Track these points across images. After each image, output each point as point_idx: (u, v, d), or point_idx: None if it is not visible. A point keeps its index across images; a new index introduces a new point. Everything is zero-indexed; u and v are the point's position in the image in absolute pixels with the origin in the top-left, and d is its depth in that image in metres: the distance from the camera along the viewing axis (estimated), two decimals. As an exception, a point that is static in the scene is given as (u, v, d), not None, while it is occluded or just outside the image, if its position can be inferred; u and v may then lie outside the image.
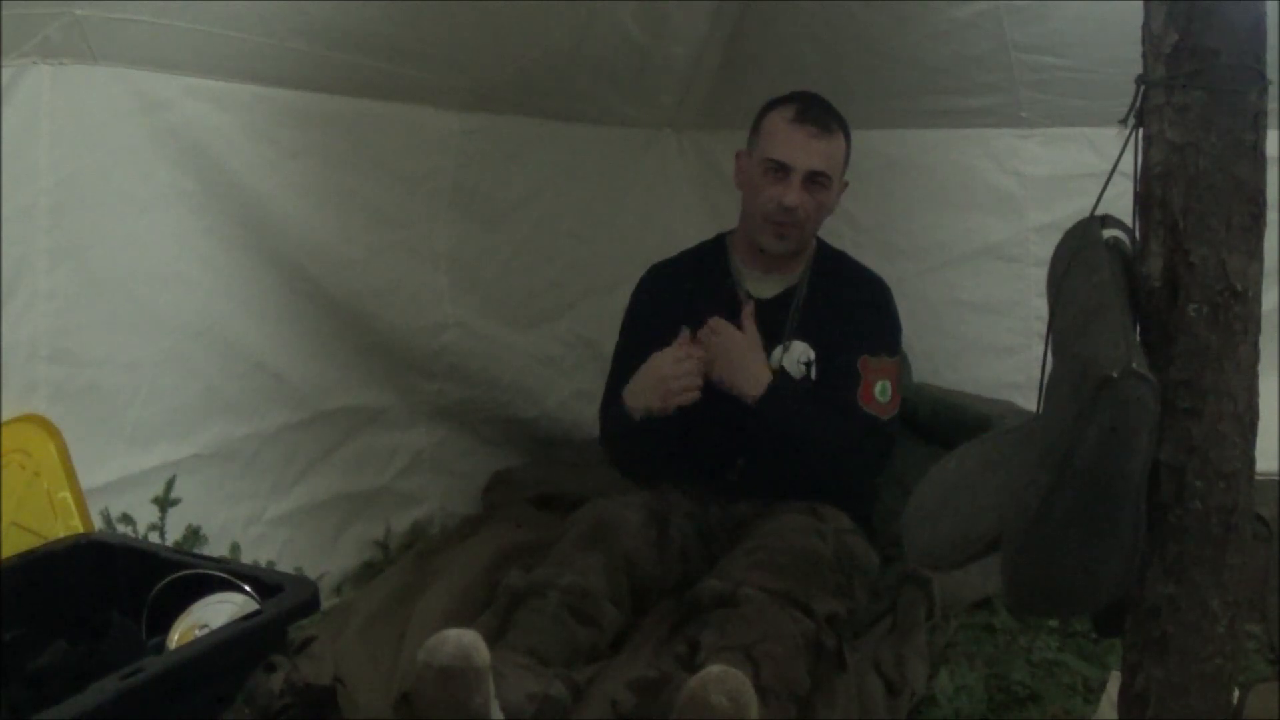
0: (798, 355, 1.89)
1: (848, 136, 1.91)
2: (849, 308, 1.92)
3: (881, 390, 1.86)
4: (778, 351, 1.89)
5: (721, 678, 1.19)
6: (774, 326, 1.90)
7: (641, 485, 1.92)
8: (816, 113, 1.87)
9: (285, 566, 1.84)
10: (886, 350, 1.90)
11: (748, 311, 1.86)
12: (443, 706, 1.19)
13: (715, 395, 1.90)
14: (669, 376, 1.79)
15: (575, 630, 1.52)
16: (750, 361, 1.82)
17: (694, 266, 2.02)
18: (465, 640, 1.20)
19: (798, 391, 1.85)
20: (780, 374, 1.86)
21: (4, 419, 1.55)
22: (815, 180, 1.85)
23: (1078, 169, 2.32)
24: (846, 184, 1.95)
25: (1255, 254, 0.96)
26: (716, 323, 1.84)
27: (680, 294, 1.97)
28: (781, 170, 1.84)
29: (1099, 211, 1.05)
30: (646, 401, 1.81)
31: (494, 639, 1.52)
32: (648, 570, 1.67)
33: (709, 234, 2.07)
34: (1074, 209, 1.32)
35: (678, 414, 1.81)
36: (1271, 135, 0.98)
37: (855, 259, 2.04)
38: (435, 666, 1.18)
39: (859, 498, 1.94)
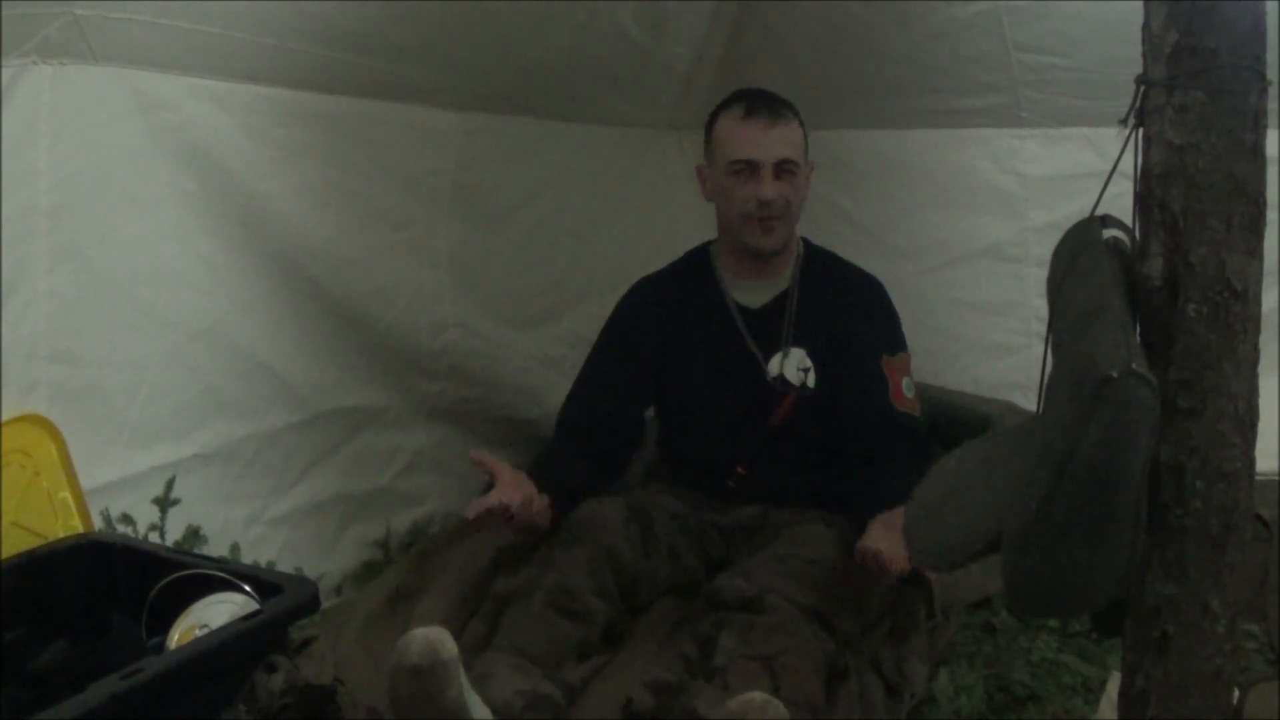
0: (796, 362, 1.88)
1: (800, 119, 1.87)
2: (849, 310, 1.91)
3: (908, 387, 1.86)
4: (776, 359, 1.87)
5: (763, 707, 1.20)
6: (769, 334, 1.89)
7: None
8: (764, 104, 1.84)
9: (285, 566, 1.84)
10: (900, 347, 1.91)
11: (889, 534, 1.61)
12: (419, 704, 1.20)
13: (715, 403, 1.90)
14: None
15: (562, 626, 1.53)
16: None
17: (681, 280, 1.99)
18: (431, 636, 1.21)
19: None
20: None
21: (4, 419, 1.55)
22: (784, 168, 1.82)
23: (1078, 169, 2.32)
24: (813, 165, 1.91)
25: (1255, 254, 0.96)
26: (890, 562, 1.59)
27: (668, 309, 1.95)
28: (749, 168, 1.81)
29: (1099, 211, 1.05)
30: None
31: (483, 644, 1.53)
32: (632, 564, 1.68)
33: (708, 234, 2.06)
34: (1074, 209, 1.32)
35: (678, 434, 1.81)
36: (1271, 135, 0.97)
37: (843, 258, 2.01)
38: (406, 666, 1.19)
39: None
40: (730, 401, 1.89)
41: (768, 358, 1.88)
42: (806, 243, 1.99)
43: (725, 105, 1.88)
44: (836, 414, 1.86)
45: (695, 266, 1.99)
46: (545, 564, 1.64)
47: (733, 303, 1.92)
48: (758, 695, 1.22)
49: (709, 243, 2.01)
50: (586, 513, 1.73)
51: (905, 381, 1.86)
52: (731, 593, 1.58)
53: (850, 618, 1.59)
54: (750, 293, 1.93)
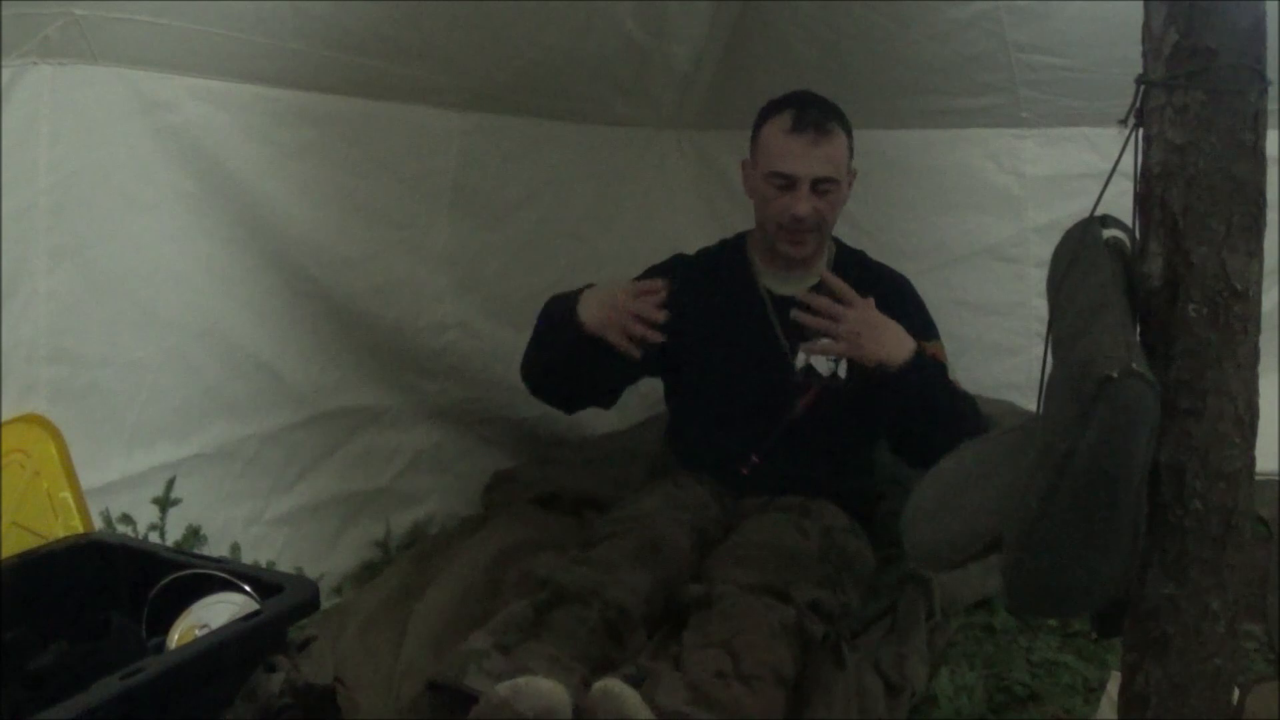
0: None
1: (848, 130, 1.90)
2: (882, 303, 1.90)
3: (951, 371, 1.87)
4: (805, 348, 1.88)
5: (605, 693, 1.21)
6: (798, 323, 1.90)
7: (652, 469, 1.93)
8: (813, 117, 1.85)
9: (285, 566, 1.84)
10: (935, 335, 1.94)
11: (869, 301, 1.77)
12: None
13: (736, 389, 1.90)
14: (631, 316, 1.71)
15: (609, 646, 1.50)
16: (894, 329, 1.74)
17: (716, 263, 2.03)
18: (548, 693, 1.20)
19: (930, 358, 1.79)
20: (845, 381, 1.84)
21: (4, 419, 1.55)
22: (821, 186, 1.85)
23: (1078, 169, 2.32)
24: (855, 172, 1.94)
25: (1255, 254, 0.96)
26: (851, 294, 1.74)
27: (702, 286, 1.97)
28: (787, 181, 1.84)
29: (1099, 211, 1.05)
30: (598, 323, 1.75)
31: (528, 627, 1.49)
32: (682, 589, 1.65)
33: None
34: (1074, 209, 1.32)
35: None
36: (1271, 135, 0.97)
37: (871, 258, 2.05)
38: (517, 712, 1.18)
39: (862, 496, 1.94)
40: (752, 388, 1.90)
41: (794, 348, 1.89)
42: (838, 242, 2.03)
43: (775, 109, 1.89)
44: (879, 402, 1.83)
45: (730, 252, 2.03)
46: (609, 569, 1.58)
47: (764, 289, 1.95)
48: (607, 683, 1.22)
49: (746, 231, 2.05)
50: (660, 532, 1.68)
51: (949, 367, 1.88)
52: (689, 596, 1.58)
53: (811, 587, 1.57)
54: (782, 282, 1.96)
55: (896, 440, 1.89)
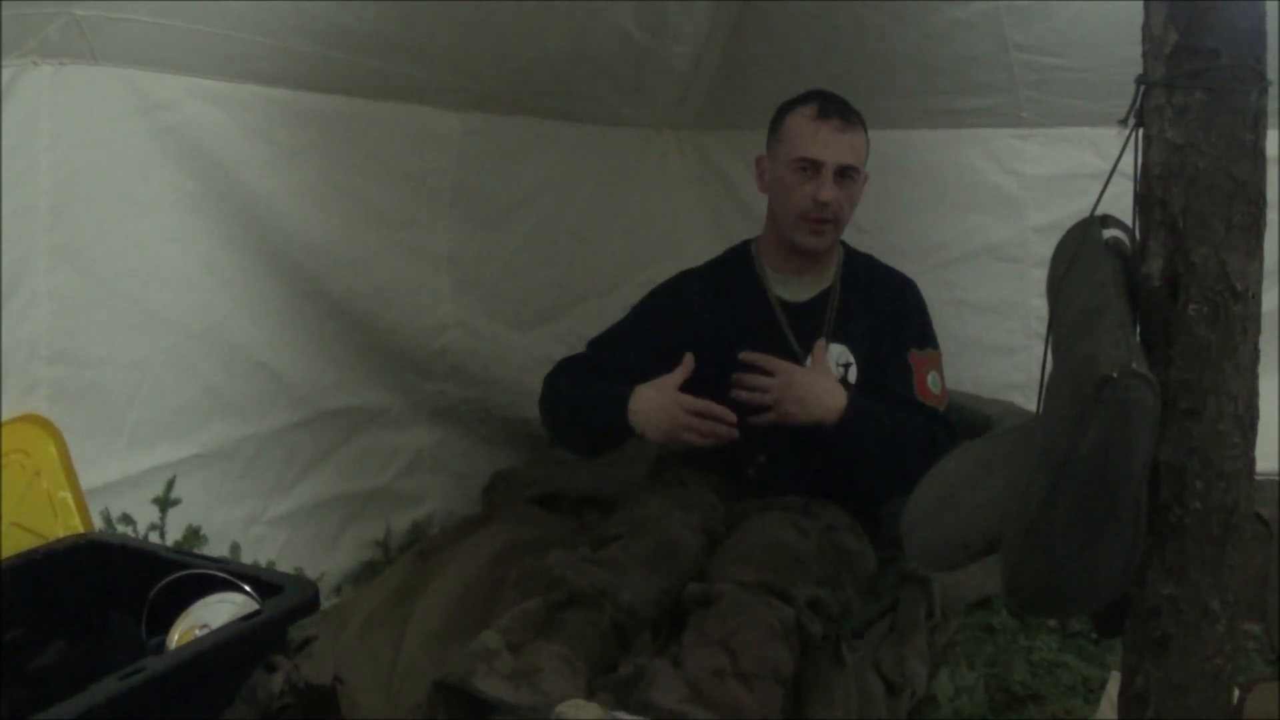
0: (835, 358, 1.91)
1: (865, 129, 1.93)
2: (886, 308, 1.95)
3: (933, 381, 1.90)
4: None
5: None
6: (809, 330, 1.92)
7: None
8: (837, 107, 1.89)
9: (285, 566, 1.84)
10: (930, 344, 1.95)
11: (819, 346, 1.86)
12: None
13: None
14: (704, 424, 1.77)
15: (615, 653, 1.50)
16: (820, 390, 1.79)
17: (722, 274, 2.03)
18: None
19: (869, 402, 1.83)
20: (851, 388, 1.85)
21: (4, 419, 1.55)
22: (845, 174, 1.87)
23: (1078, 169, 2.32)
24: (867, 177, 1.96)
25: (1255, 254, 0.96)
26: (773, 363, 1.80)
27: (710, 301, 1.97)
28: (813, 167, 1.86)
29: (1099, 211, 1.05)
30: (664, 436, 1.80)
31: (538, 626, 1.49)
32: (689, 588, 1.64)
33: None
34: (1074, 209, 1.32)
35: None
36: (1271, 135, 0.97)
37: (879, 260, 2.06)
38: None
39: (865, 496, 1.94)
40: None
41: (807, 353, 1.89)
42: (845, 245, 2.03)
43: (798, 101, 1.92)
44: None
45: (737, 262, 2.03)
46: (621, 570, 1.57)
47: (774, 297, 1.96)
48: (565, 705, 1.23)
49: (750, 240, 2.05)
50: (673, 534, 1.68)
51: (931, 376, 1.90)
52: (690, 597, 1.57)
53: (810, 586, 1.57)
54: (793, 289, 1.97)
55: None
